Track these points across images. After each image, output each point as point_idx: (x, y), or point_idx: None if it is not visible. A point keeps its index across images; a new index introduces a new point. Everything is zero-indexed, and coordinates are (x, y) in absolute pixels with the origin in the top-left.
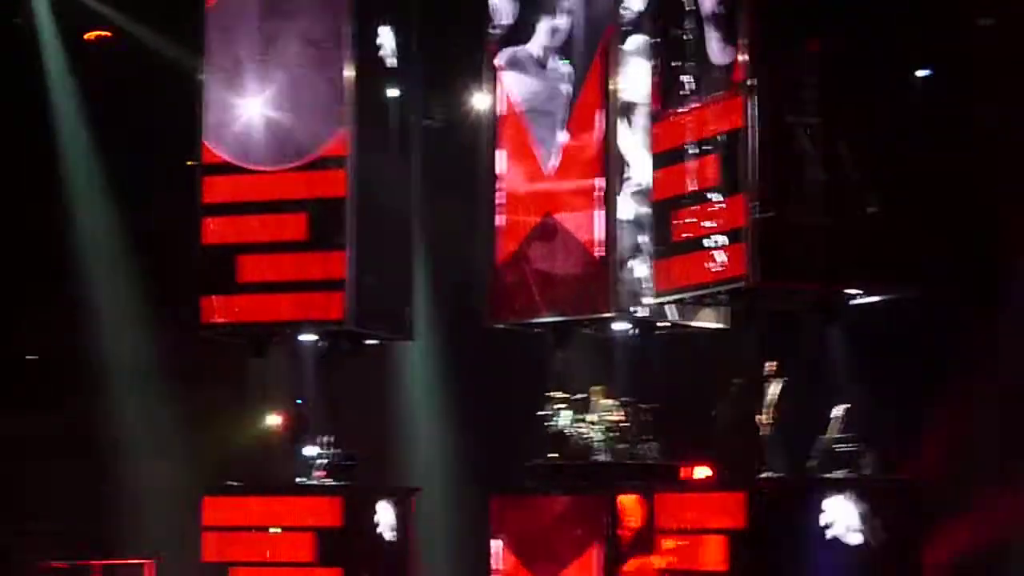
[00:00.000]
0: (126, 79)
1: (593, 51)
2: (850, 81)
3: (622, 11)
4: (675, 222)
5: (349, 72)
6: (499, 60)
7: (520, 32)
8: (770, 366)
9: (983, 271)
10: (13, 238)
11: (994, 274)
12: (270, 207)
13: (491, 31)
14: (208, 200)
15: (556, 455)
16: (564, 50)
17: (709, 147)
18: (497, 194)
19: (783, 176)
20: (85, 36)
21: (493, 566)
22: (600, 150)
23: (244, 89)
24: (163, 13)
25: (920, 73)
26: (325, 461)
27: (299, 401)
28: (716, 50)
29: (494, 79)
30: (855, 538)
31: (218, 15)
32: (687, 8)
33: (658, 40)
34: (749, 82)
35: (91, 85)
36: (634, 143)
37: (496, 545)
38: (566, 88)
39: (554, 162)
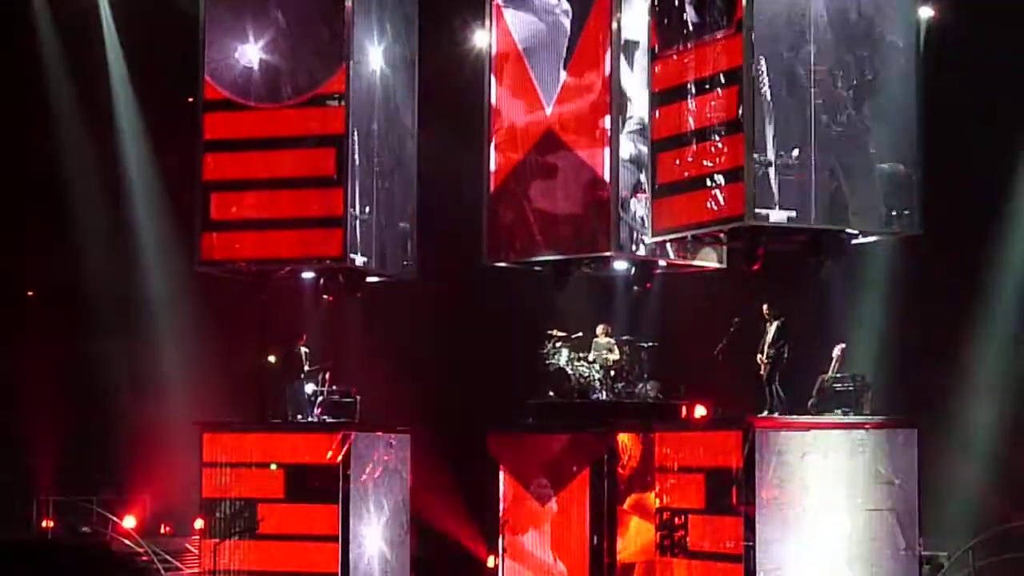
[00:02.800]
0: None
1: None
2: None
3: None
4: (674, 161)
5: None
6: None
7: None
8: (767, 305)
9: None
10: (9, 172)
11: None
12: (269, 144)
13: None
14: (208, 137)
15: (555, 393)
16: None
17: (708, 86)
18: (496, 133)
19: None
20: None
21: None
22: (602, 89)
23: (244, 28)
24: None
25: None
26: (323, 398)
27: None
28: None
29: (493, 16)
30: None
31: None
32: None
33: None
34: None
35: (92, 21)
36: (634, 82)
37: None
38: (567, 26)
39: (555, 100)
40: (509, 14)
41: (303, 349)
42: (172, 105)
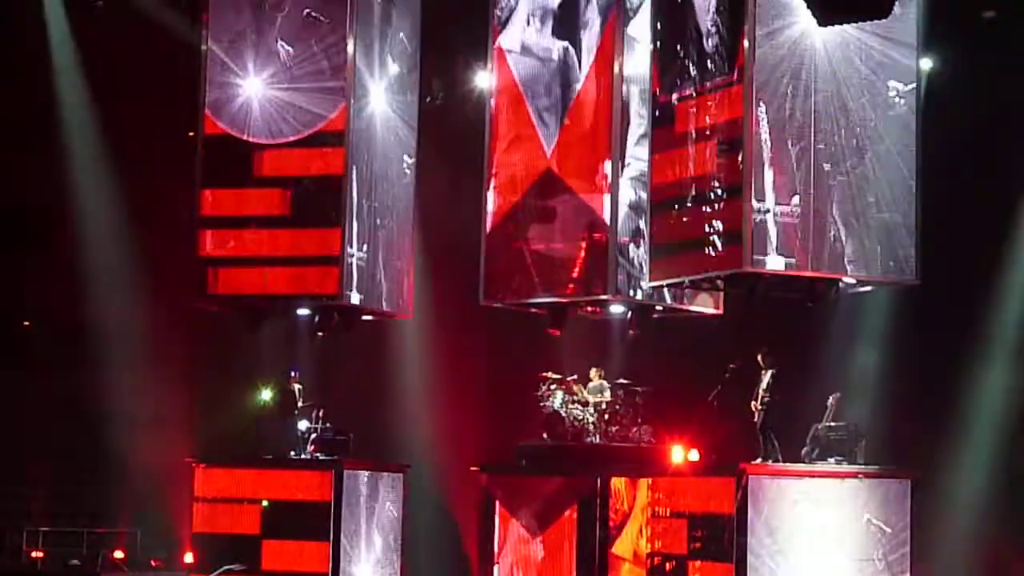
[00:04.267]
0: (128, 48)
1: (598, 35)
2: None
3: None
4: (673, 207)
5: (349, 48)
6: (502, 42)
7: (524, 15)
8: (763, 353)
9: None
10: (12, 203)
11: (991, 269)
12: (268, 182)
13: (497, 12)
14: (207, 173)
15: (548, 435)
16: (568, 34)
17: (708, 133)
18: (495, 174)
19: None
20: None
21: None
22: (602, 134)
23: (245, 65)
24: None
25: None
26: (316, 435)
27: (292, 373)
28: (717, 37)
29: (496, 60)
30: (844, 526)
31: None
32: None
33: (659, 25)
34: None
35: (93, 53)
36: (635, 127)
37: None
38: (569, 70)
39: (555, 144)
40: (512, 57)
41: (296, 386)
42: (173, 139)
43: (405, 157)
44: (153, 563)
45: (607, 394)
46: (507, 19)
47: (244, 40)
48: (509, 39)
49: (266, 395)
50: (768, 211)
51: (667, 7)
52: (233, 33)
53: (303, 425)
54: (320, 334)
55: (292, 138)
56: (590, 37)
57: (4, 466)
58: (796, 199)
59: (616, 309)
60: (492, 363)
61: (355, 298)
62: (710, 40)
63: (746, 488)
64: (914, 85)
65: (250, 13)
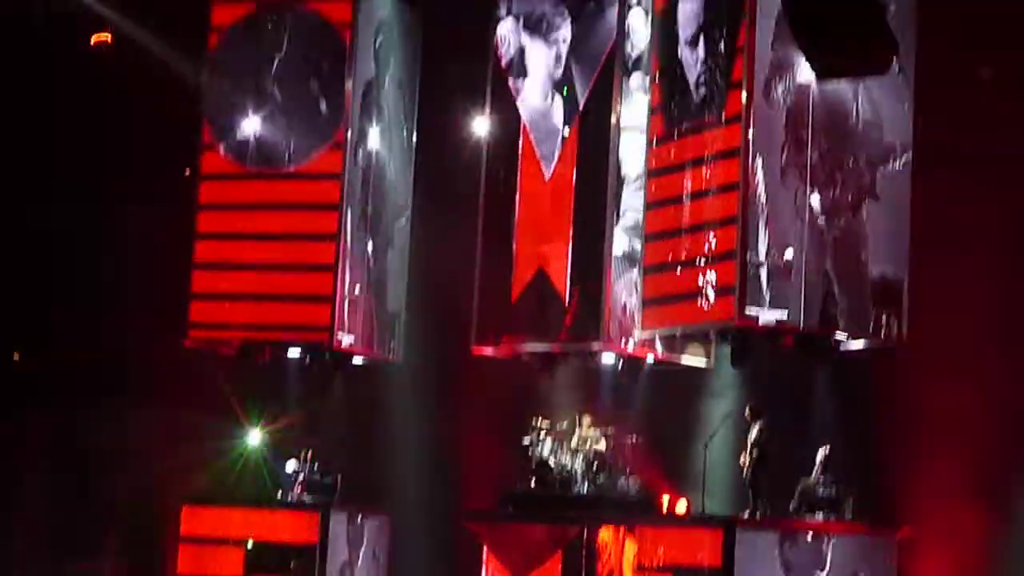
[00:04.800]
0: (127, 84)
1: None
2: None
3: (628, 48)
4: (666, 256)
5: (348, 87)
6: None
7: (523, 62)
8: (752, 406)
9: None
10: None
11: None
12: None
13: (497, 58)
14: (204, 206)
15: (537, 483)
16: (565, 83)
17: (703, 187)
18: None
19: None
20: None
21: None
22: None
23: (244, 104)
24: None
25: None
26: (303, 477)
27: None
28: (713, 88)
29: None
30: None
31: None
32: (687, 46)
33: (655, 77)
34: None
35: (92, 88)
36: (632, 178)
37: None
38: (563, 121)
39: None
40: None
41: (285, 427)
42: (168, 174)
43: (400, 199)
44: None
45: (600, 443)
46: (507, 67)
47: (243, 79)
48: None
49: (255, 436)
50: (763, 264)
51: (664, 59)
52: (232, 71)
53: (291, 467)
54: (312, 377)
55: (291, 169)
56: (587, 87)
57: None
58: (789, 252)
59: (607, 358)
60: (481, 408)
61: (346, 340)
62: (704, 90)
63: (733, 541)
64: (910, 139)
65: (250, 52)
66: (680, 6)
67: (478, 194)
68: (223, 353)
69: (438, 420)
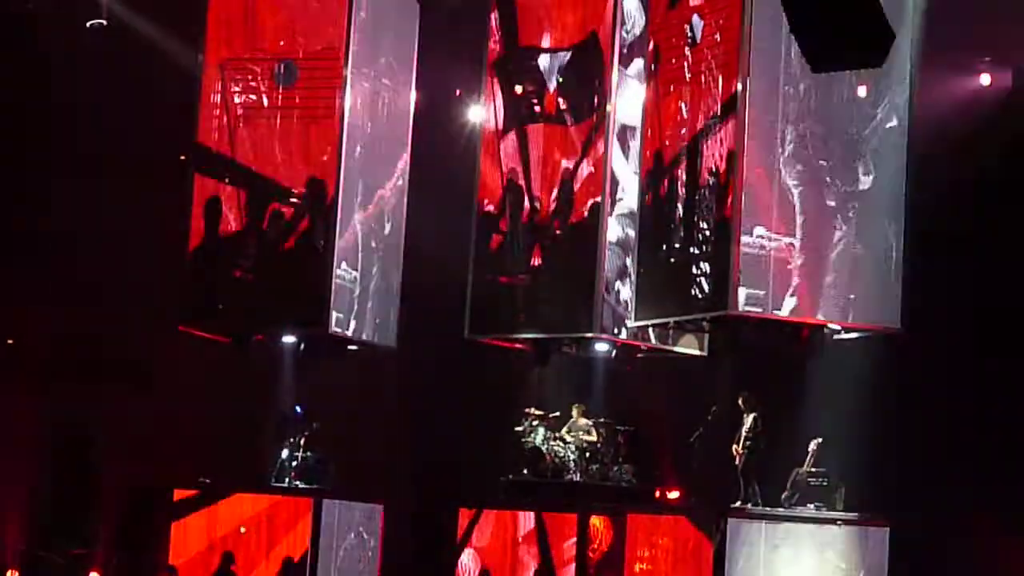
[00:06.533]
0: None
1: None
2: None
3: (623, 34)
4: (660, 247)
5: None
6: (495, 76)
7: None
8: (744, 396)
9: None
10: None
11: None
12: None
13: (491, 46)
14: (198, 196)
15: (529, 472)
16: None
17: (699, 176)
18: (485, 207)
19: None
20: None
21: None
22: (593, 172)
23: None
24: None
25: None
26: (297, 463)
27: (297, 409)
28: (710, 77)
29: (490, 93)
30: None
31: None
32: (686, 33)
33: (653, 65)
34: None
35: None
36: (626, 167)
37: (464, 555)
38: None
39: (548, 182)
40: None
41: (290, 413)
42: (166, 160)
43: (396, 182)
44: None
45: (592, 433)
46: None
47: (241, 72)
48: (502, 73)
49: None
50: (757, 255)
51: (659, 47)
52: (230, 64)
53: (285, 453)
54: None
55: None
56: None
57: None
58: (784, 242)
59: (601, 347)
60: (475, 397)
61: (341, 327)
62: (702, 79)
63: (725, 530)
64: (907, 119)
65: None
66: None
67: (472, 181)
68: (217, 339)
69: (432, 407)
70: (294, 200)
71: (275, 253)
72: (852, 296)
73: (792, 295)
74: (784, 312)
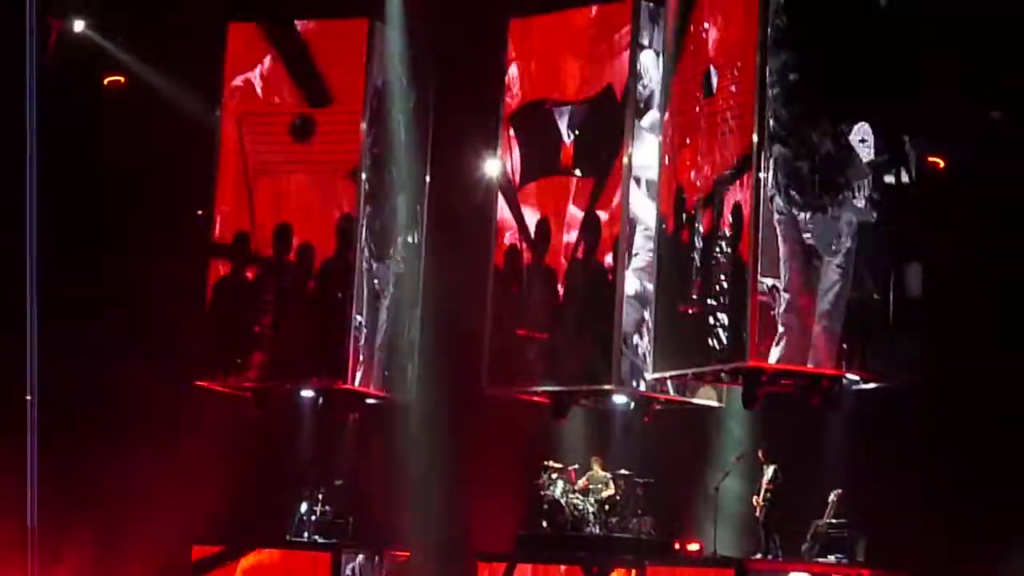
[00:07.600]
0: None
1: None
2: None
3: (639, 88)
4: (678, 299)
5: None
6: (512, 129)
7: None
8: (763, 448)
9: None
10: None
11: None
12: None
13: (507, 100)
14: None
15: (548, 525)
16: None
17: (713, 230)
18: (502, 260)
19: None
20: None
21: None
22: (610, 224)
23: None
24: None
25: None
26: (316, 518)
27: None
28: (727, 133)
29: (507, 147)
30: None
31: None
32: (700, 85)
33: (669, 118)
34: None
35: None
36: (641, 218)
37: None
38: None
39: (565, 234)
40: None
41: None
42: (185, 217)
43: (411, 238)
44: None
45: (611, 486)
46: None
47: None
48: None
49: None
50: (772, 306)
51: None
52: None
53: (304, 507)
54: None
55: None
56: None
57: None
58: (800, 293)
59: (619, 399)
60: (493, 450)
61: (359, 381)
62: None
63: None
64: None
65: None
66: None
67: (489, 233)
68: (238, 395)
69: (450, 461)
70: None
71: (293, 307)
72: (873, 347)
73: (808, 346)
74: (801, 363)
